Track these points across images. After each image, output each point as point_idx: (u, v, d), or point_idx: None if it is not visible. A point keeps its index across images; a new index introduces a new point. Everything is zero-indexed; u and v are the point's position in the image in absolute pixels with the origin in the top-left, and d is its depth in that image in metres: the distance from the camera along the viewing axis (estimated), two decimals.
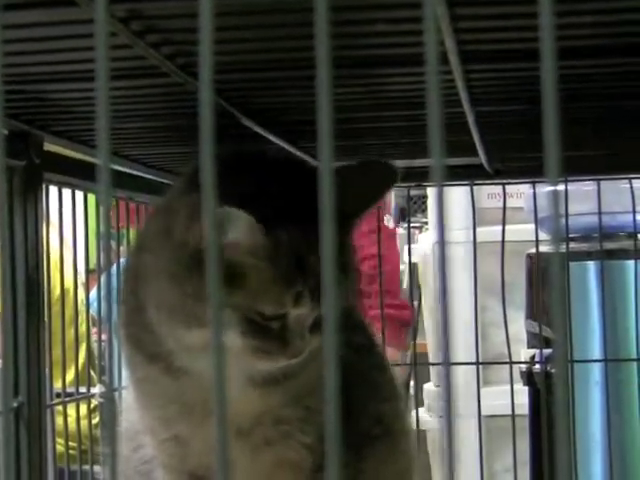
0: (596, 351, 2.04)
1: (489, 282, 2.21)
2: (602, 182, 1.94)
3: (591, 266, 2.07)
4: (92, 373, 2.03)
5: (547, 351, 1.97)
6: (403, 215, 5.28)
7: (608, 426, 1.99)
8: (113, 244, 1.83)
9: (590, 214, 1.99)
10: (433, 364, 3.08)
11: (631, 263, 2.04)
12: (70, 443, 1.43)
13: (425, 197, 3.98)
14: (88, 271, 1.79)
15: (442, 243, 0.44)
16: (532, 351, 2.10)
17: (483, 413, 1.94)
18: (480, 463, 1.92)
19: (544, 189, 1.98)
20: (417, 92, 1.06)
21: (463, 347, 2.37)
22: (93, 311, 1.96)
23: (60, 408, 1.45)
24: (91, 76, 0.48)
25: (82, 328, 1.88)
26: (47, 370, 1.27)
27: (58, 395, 1.45)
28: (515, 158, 1.63)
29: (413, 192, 2.04)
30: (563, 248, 1.92)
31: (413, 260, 3.08)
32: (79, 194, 1.40)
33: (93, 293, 2.04)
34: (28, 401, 1.20)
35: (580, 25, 0.88)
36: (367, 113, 1.24)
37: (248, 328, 0.94)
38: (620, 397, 2.04)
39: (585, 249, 2.11)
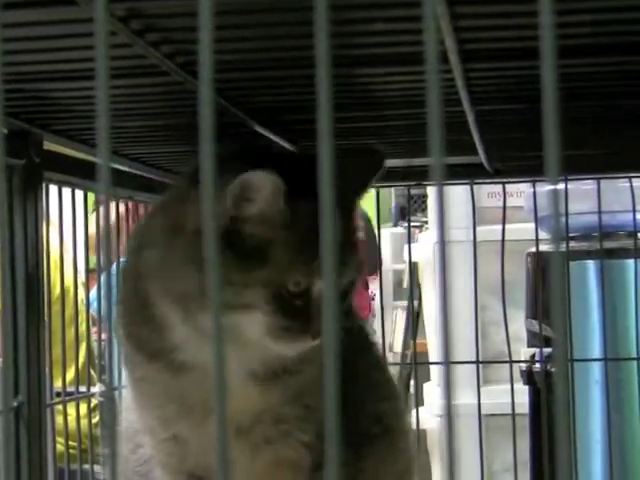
0: (596, 350, 2.04)
1: (489, 281, 2.21)
2: (602, 181, 1.93)
3: (591, 265, 2.07)
4: (92, 372, 2.03)
5: (547, 350, 1.97)
6: (403, 214, 5.28)
7: (608, 425, 1.99)
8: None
9: (590, 213, 1.99)
10: (433, 363, 3.08)
11: (631, 262, 2.04)
12: (70, 442, 1.43)
13: (425, 196, 3.98)
14: (88, 270, 1.79)
15: (442, 242, 0.44)
16: (532, 350, 2.10)
17: (483, 412, 1.94)
18: (480, 462, 1.91)
19: (544, 188, 1.98)
20: (417, 91, 1.06)
21: (463, 346, 2.37)
22: (93, 310, 1.96)
23: (60, 407, 1.45)
24: (91, 75, 0.48)
25: (82, 327, 1.88)
26: (47, 369, 1.27)
27: (58, 394, 1.45)
28: (515, 157, 1.62)
29: (413, 191, 2.04)
30: (563, 247, 1.92)
31: (413, 259, 3.08)
32: (79, 193, 1.40)
33: (93, 292, 2.04)
34: (28, 400, 1.20)
35: (580, 24, 0.88)
36: (367, 112, 1.24)
37: (275, 306, 0.94)
38: (620, 396, 2.04)
39: (585, 248, 2.11)
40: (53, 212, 1.33)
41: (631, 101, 1.22)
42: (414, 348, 2.09)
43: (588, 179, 1.95)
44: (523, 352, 2.15)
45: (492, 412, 2.59)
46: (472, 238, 1.86)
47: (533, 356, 2.05)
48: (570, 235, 2.06)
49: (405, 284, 4.75)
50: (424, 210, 4.17)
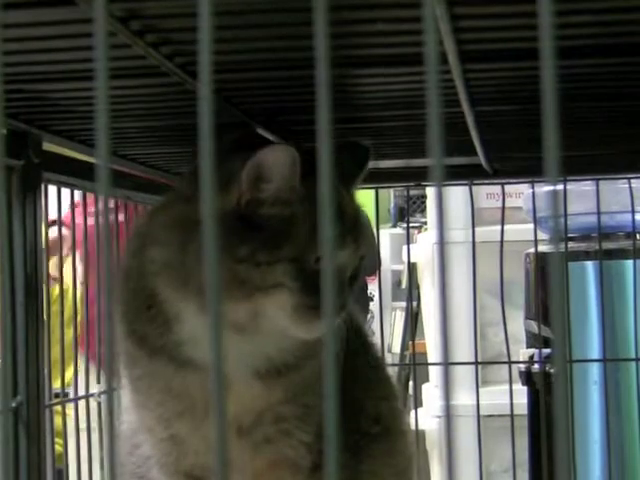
0: (595, 351, 2.04)
1: (488, 282, 2.21)
2: (601, 182, 1.94)
3: (590, 266, 2.07)
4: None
5: (546, 351, 1.97)
6: (402, 215, 5.29)
7: (607, 425, 1.99)
8: None
9: (589, 214, 1.99)
10: (432, 364, 3.08)
11: (630, 263, 2.04)
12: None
13: (424, 197, 3.98)
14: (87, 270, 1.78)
15: (442, 243, 0.44)
16: (531, 351, 2.10)
17: (481, 413, 1.94)
18: (479, 463, 1.92)
19: (543, 189, 1.98)
20: (416, 92, 1.06)
21: (462, 347, 2.37)
22: None
23: (59, 408, 1.45)
24: (90, 75, 0.48)
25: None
26: (46, 370, 1.27)
27: (57, 395, 1.45)
28: (514, 158, 1.62)
29: (412, 192, 2.04)
30: (562, 248, 1.92)
31: (412, 260, 3.08)
32: (78, 193, 1.40)
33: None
34: (27, 401, 1.20)
35: (579, 24, 0.88)
36: (366, 113, 1.24)
37: (300, 283, 0.95)
38: (619, 397, 2.04)
39: (584, 249, 2.11)
40: (52, 212, 1.33)
41: (630, 102, 1.22)
42: (413, 349, 2.09)
43: (587, 180, 1.95)
44: (522, 353, 2.15)
45: (491, 413, 2.59)
46: (471, 239, 1.86)
47: (532, 357, 2.05)
48: (569, 236, 2.07)
49: (404, 285, 4.76)
50: (423, 211, 4.17)
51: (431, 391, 3.21)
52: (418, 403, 2.45)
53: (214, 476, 0.43)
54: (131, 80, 1.01)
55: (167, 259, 0.99)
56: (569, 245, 2.05)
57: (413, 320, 3.46)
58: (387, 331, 4.55)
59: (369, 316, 3.94)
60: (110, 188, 0.45)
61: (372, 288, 4.49)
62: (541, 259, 2.09)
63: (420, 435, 2.68)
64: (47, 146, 1.25)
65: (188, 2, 0.63)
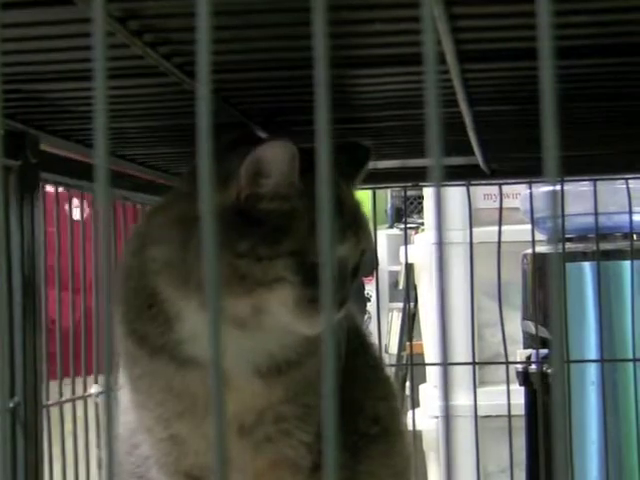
0: (592, 351, 2.04)
1: (485, 282, 2.21)
2: (598, 182, 1.94)
3: (587, 266, 2.08)
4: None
5: (543, 351, 1.97)
6: (399, 216, 5.28)
7: (604, 426, 1.99)
8: None
9: (586, 214, 1.99)
10: (429, 364, 3.09)
11: (627, 263, 2.04)
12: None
13: (421, 198, 3.98)
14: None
15: (440, 244, 0.44)
16: (528, 351, 2.10)
17: (479, 413, 1.95)
18: (476, 463, 1.92)
19: (540, 189, 1.98)
20: (414, 92, 1.06)
21: (459, 347, 2.37)
22: None
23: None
24: (88, 75, 0.48)
25: None
26: (43, 370, 1.27)
27: None
28: (511, 158, 1.63)
29: (409, 193, 2.04)
30: (560, 249, 1.92)
31: (409, 261, 3.09)
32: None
33: None
34: (24, 401, 1.20)
35: (578, 24, 0.88)
36: (364, 113, 1.24)
37: (301, 276, 0.95)
38: (616, 397, 2.04)
39: (581, 249, 2.11)
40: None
41: (628, 102, 1.22)
42: (410, 350, 2.09)
43: (585, 180, 1.95)
44: (519, 353, 2.15)
45: (488, 413, 2.59)
46: (468, 239, 1.86)
47: (529, 357, 2.05)
48: (566, 236, 2.07)
49: (401, 285, 4.75)
50: (420, 212, 4.17)
51: (428, 391, 3.21)
52: (415, 404, 2.45)
53: (214, 475, 0.43)
54: (129, 80, 1.01)
55: (168, 257, 0.99)
56: (566, 246, 2.05)
57: (410, 321, 3.47)
58: (384, 332, 4.55)
59: (366, 317, 3.94)
60: (109, 188, 0.45)
61: (369, 289, 4.49)
62: (539, 260, 2.09)
63: (417, 436, 2.68)
64: (45, 146, 1.25)
65: (186, 2, 0.63)
